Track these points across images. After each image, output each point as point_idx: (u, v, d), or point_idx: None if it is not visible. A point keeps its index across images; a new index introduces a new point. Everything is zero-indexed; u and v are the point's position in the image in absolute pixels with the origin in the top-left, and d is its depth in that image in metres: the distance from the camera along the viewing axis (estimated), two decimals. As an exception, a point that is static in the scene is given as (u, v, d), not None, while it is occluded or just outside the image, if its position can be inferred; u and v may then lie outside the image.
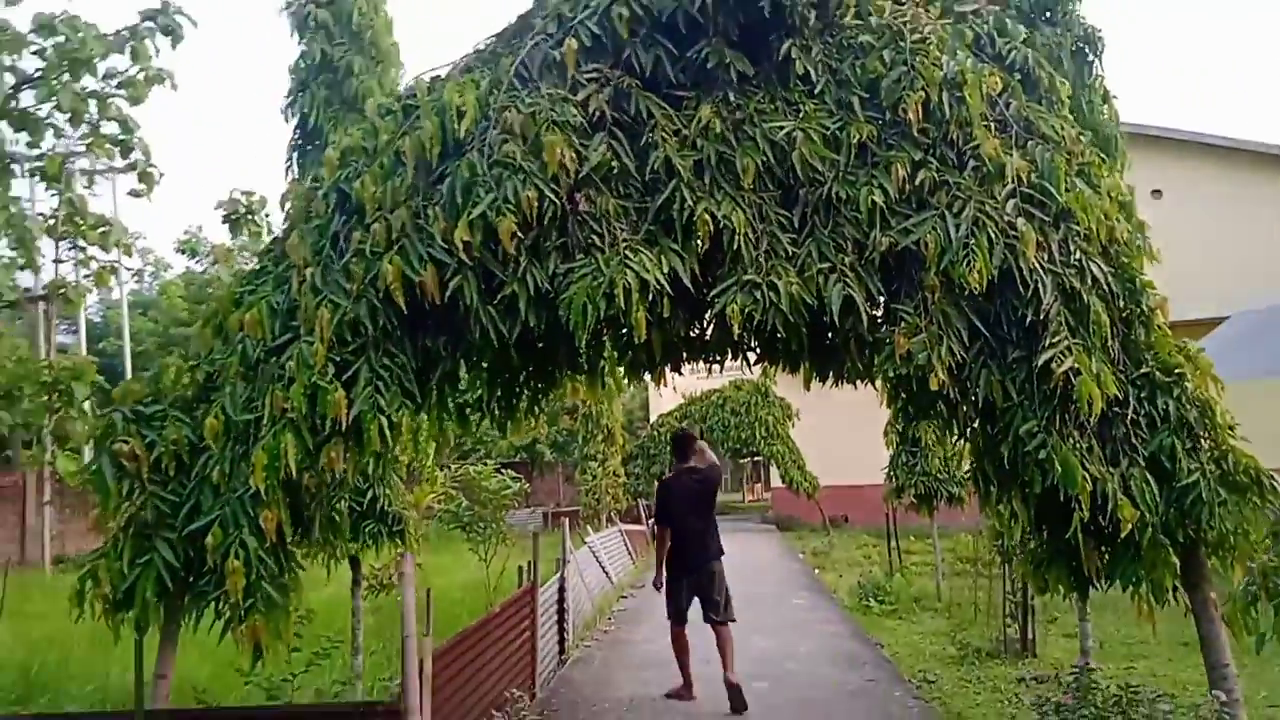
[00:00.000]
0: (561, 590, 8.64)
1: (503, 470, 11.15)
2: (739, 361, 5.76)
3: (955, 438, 5.56)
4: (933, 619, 11.16)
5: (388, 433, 4.43)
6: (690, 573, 7.25)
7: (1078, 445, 4.57)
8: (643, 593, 12.50)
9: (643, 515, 20.00)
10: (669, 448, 9.40)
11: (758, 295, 4.51)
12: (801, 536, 22.67)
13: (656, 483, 8.80)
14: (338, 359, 4.43)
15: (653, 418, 26.28)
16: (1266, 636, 3.25)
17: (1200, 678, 8.06)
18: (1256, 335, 12.71)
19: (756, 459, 41.96)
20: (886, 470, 12.61)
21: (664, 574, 7.32)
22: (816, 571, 16.13)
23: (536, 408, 5.64)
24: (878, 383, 5.54)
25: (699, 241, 4.55)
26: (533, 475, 34.37)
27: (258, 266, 4.96)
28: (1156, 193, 24.47)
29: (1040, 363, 4.51)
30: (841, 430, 25.01)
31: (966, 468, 6.11)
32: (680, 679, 7.30)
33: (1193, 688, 7.65)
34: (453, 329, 4.67)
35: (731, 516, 32.09)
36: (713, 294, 4.61)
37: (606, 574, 13.67)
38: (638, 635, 9.88)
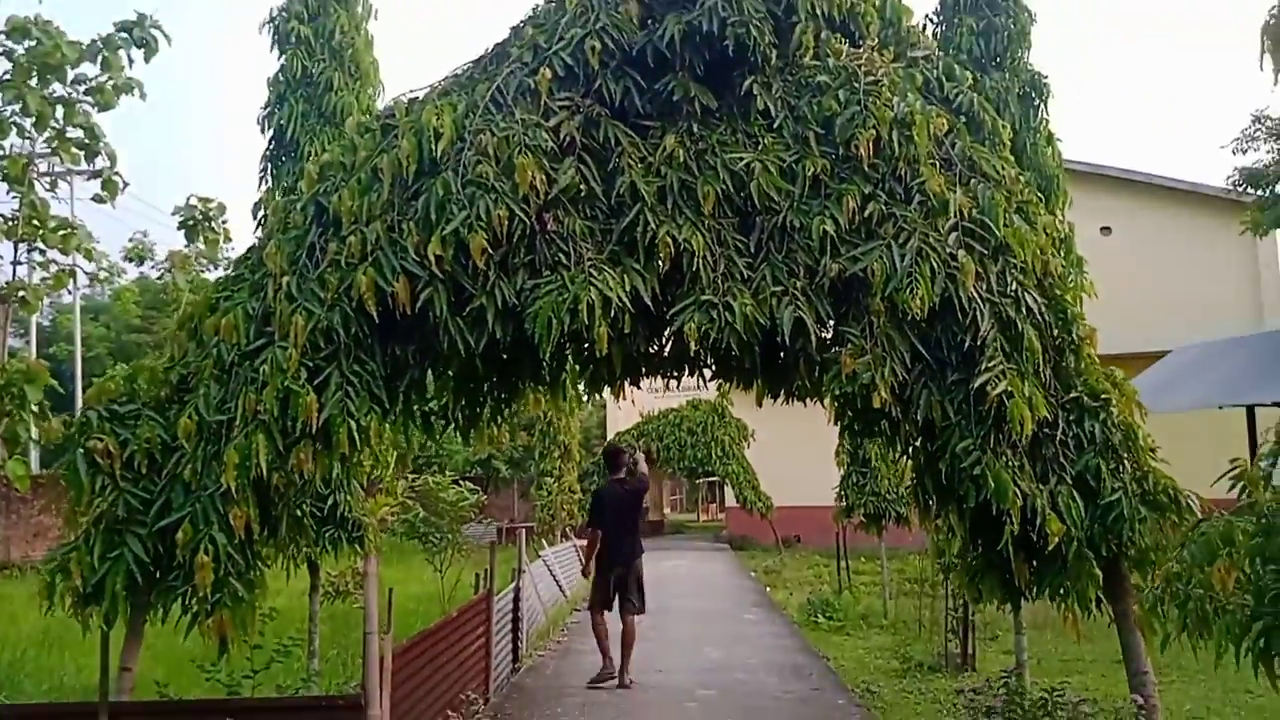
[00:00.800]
0: (516, 600, 8.81)
1: (460, 482, 11.28)
2: (695, 378, 6.00)
3: (897, 455, 5.86)
4: (879, 635, 11.45)
5: (356, 436, 4.61)
6: (615, 568, 8.34)
7: (1010, 463, 4.87)
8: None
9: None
10: (603, 461, 10.17)
11: (714, 315, 4.77)
12: (754, 556, 22.93)
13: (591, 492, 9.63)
14: (310, 364, 4.61)
15: (610, 435, 26.46)
16: (1170, 637, 3.53)
17: (1128, 692, 8.47)
18: (1197, 368, 13.23)
19: (712, 479, 42.32)
20: (837, 490, 12.91)
21: (593, 567, 8.48)
22: (768, 589, 16.39)
23: (499, 417, 5.84)
24: (826, 401, 5.86)
25: (660, 262, 4.81)
26: (488, 490, 34.34)
27: (233, 274, 5.12)
28: (1105, 229, 25.28)
29: (977, 385, 4.81)
30: (795, 451, 25.38)
31: (905, 486, 6.41)
32: (602, 664, 8.09)
33: (1122, 701, 8.01)
34: (422, 338, 4.87)
35: (685, 536, 32.36)
36: (672, 312, 4.86)
37: (560, 587, 13.81)
38: (590, 646, 10.04)
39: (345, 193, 4.79)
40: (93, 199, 11.76)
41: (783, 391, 5.82)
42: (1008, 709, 5.04)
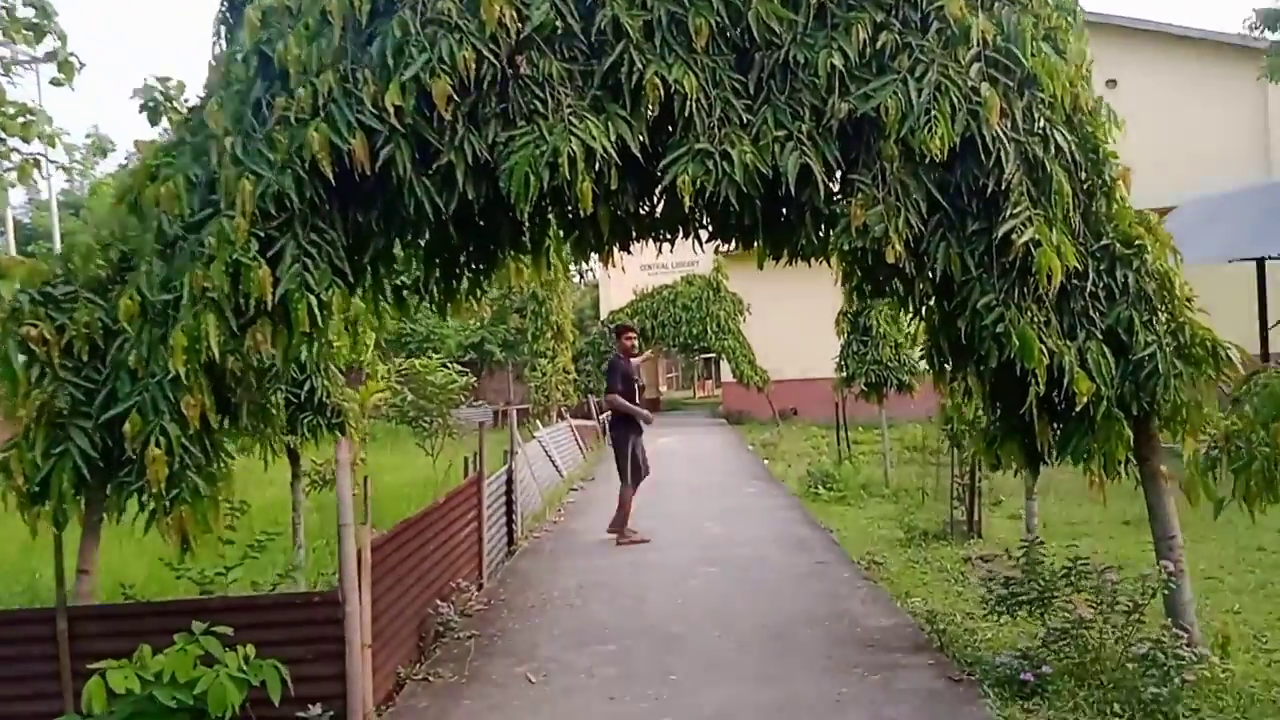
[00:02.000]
0: (509, 482, 8.54)
1: (449, 365, 10.91)
2: (690, 240, 5.52)
3: (910, 316, 5.45)
4: (880, 504, 11.30)
5: (317, 313, 4.17)
6: (638, 440, 9.22)
7: (1035, 318, 4.47)
8: (591, 485, 12.55)
9: (593, 411, 19.97)
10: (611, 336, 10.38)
11: (710, 165, 4.28)
12: (752, 430, 22.85)
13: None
14: (262, 234, 4.13)
15: (603, 314, 26.09)
16: (1225, 501, 3.20)
17: (1141, 553, 8.29)
18: (1207, 222, 12.75)
19: (708, 355, 42.18)
20: (837, 360, 12.58)
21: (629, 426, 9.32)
22: (766, 463, 16.27)
23: (478, 290, 5.38)
24: (833, 259, 5.41)
25: (648, 108, 4.28)
26: (482, 374, 34.17)
27: (175, 138, 4.59)
28: (1111, 82, 24.33)
29: (1000, 234, 4.38)
30: (792, 324, 25.08)
31: (920, 347, 6.03)
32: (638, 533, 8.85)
33: (1134, 562, 7.84)
34: (385, 202, 4.39)
35: (682, 413, 32.34)
36: (663, 164, 4.37)
37: (556, 468, 13.62)
38: (585, 525, 9.87)
39: (291, 40, 4.22)
40: (50, 82, 11.04)
41: (786, 251, 5.36)
42: (1028, 579, 4.76)
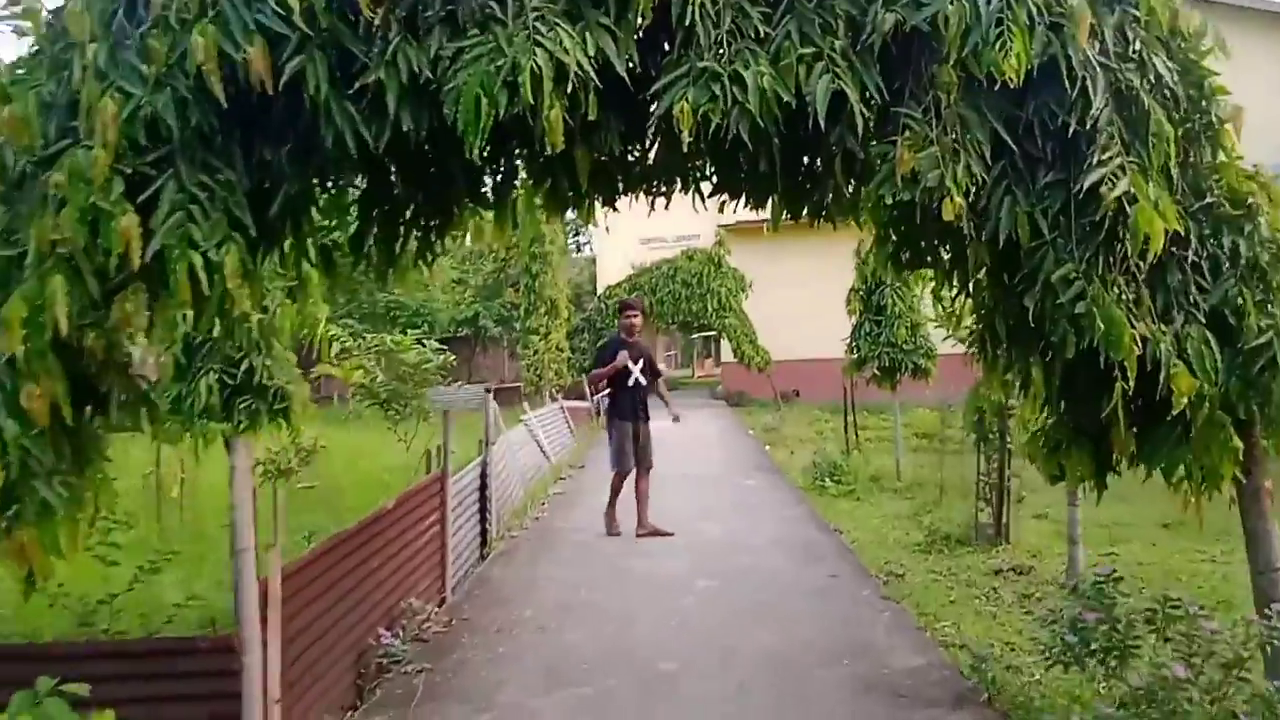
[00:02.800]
0: (483, 476, 7.60)
1: (424, 342, 9.95)
2: (689, 193, 4.53)
3: (954, 291, 4.48)
4: (893, 500, 10.40)
5: (204, 277, 3.19)
6: (639, 425, 8.56)
7: (1124, 296, 3.51)
8: (581, 474, 11.61)
9: (587, 392, 19.03)
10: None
11: (716, 90, 3.28)
12: (752, 412, 21.94)
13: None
14: (130, 172, 3.16)
15: (600, 290, 25.10)
16: None
17: (1190, 565, 7.40)
18: None
19: (707, 334, 41.19)
20: (848, 341, 11.63)
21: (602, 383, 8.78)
22: (767, 449, 15.36)
23: (429, 252, 4.38)
24: (864, 219, 4.46)
25: (638, 15, 3.29)
26: (475, 351, 33.20)
27: (31, 50, 3.59)
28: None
29: (1084, 186, 3.41)
30: (795, 303, 24.11)
31: (955, 330, 5.07)
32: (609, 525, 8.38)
33: (1185, 576, 6.96)
34: (299, 134, 3.41)
35: (680, 393, 31.34)
36: (656, 88, 3.38)
37: (544, 454, 12.70)
38: (570, 521, 8.94)
39: (173, -78, 3.23)
40: None
41: (808, 208, 4.40)
42: (1101, 624, 3.82)
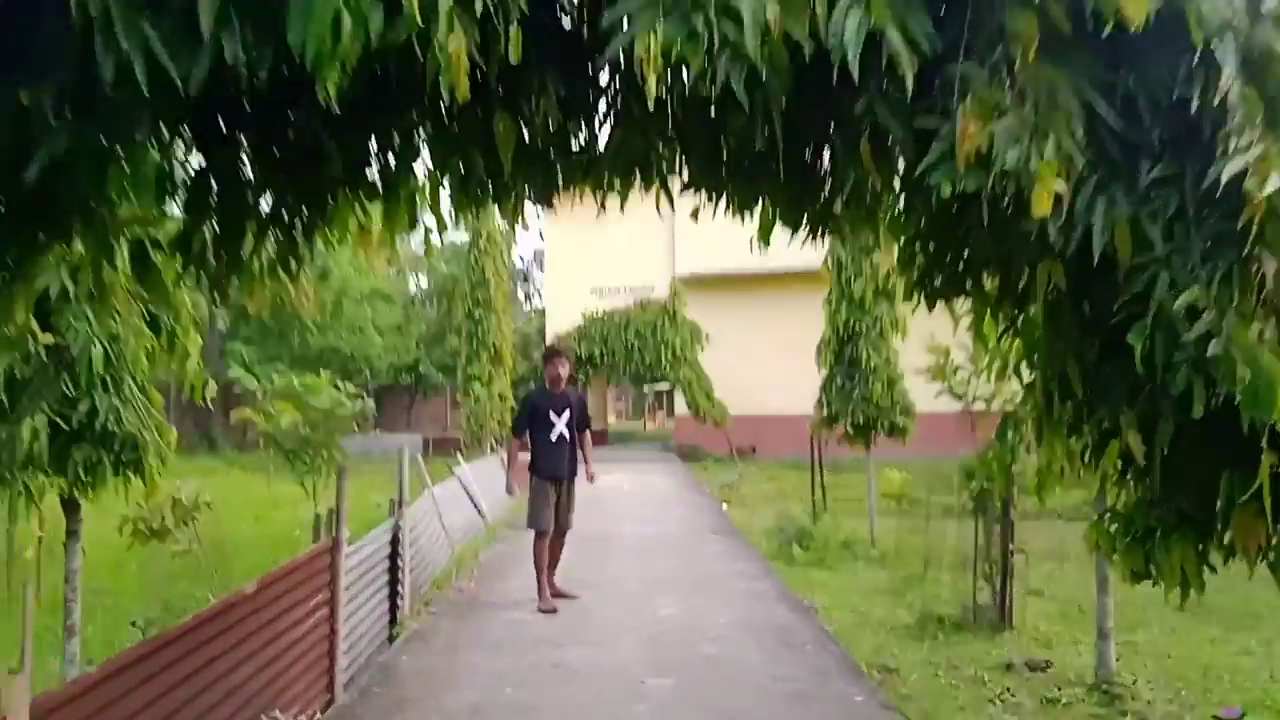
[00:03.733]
0: (395, 543, 6.34)
1: (340, 385, 8.71)
2: (653, 191, 3.42)
3: (1002, 329, 3.41)
4: (869, 570, 9.28)
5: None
6: (558, 484, 7.50)
7: (1267, 335, 2.44)
8: (521, 535, 10.30)
9: (504, 457, 17.78)
10: (540, 362, 9.22)
11: (698, 24, 2.17)
12: (707, 467, 20.80)
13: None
14: None
15: (549, 339, 23.95)
16: None
17: (1223, 658, 6.36)
18: None
19: (660, 388, 40.14)
20: (818, 396, 10.57)
21: (518, 483, 7.94)
22: (725, 508, 14.19)
23: (293, 256, 3.16)
24: (889, 226, 3.39)
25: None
26: (414, 399, 31.80)
27: None
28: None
29: (1218, 181, 2.34)
30: (754, 356, 23.20)
31: (996, 378, 4.01)
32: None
33: (1227, 676, 5.91)
34: (68, 65, 2.23)
35: (631, 446, 30.18)
36: (609, 20, 2.26)
37: (479, 511, 11.42)
38: (501, 593, 7.68)
39: None
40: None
41: (810, 213, 3.32)
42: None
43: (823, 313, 10.59)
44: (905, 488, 16.01)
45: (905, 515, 13.73)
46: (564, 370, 7.64)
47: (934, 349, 7.16)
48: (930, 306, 3.33)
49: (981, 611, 6.84)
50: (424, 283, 34.88)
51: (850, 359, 10.25)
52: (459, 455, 11.73)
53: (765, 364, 23.02)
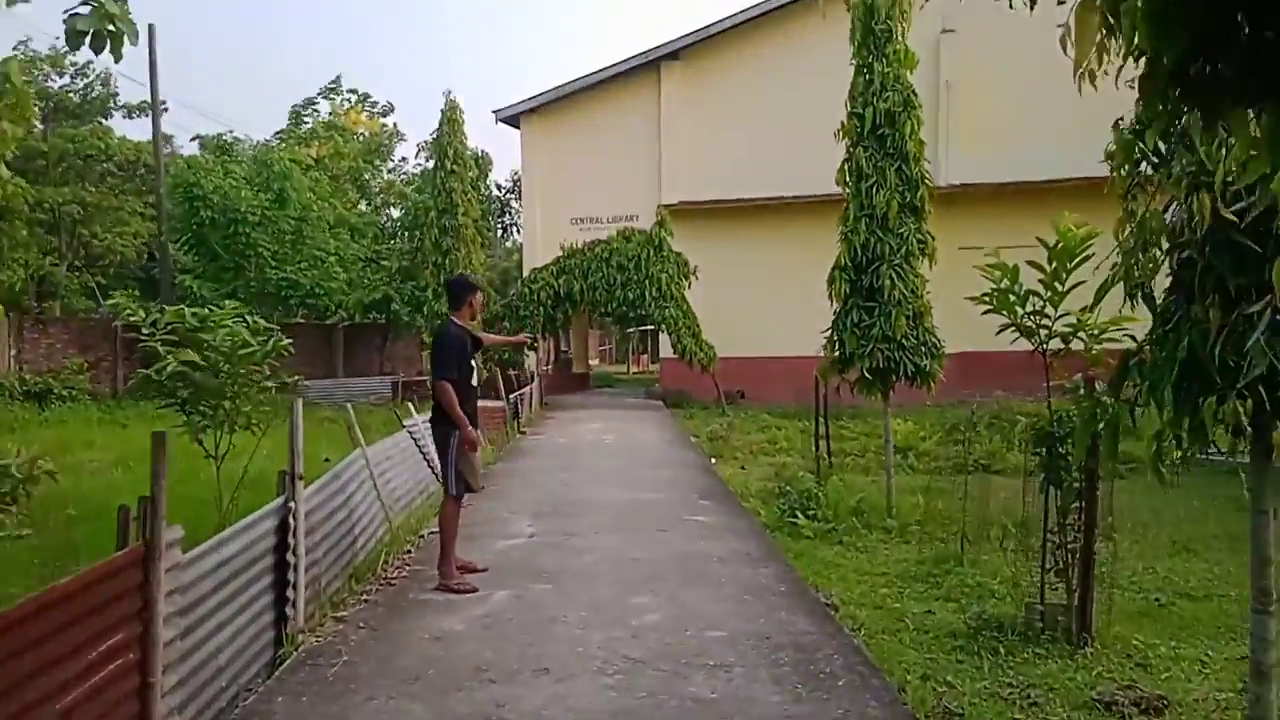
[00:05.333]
0: (283, 532, 4.71)
1: (247, 319, 6.99)
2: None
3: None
4: (889, 545, 7.76)
5: None
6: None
7: None
8: (479, 499, 8.70)
9: (501, 389, 16.15)
10: (445, 294, 7.27)
11: None
12: (693, 415, 19.24)
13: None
14: None
15: (526, 273, 22.17)
16: None
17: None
18: None
19: (644, 327, 38.41)
20: (829, 334, 8.95)
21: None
22: (714, 463, 12.65)
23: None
24: None
25: None
26: (387, 338, 30.03)
27: None
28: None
29: None
30: (743, 294, 21.51)
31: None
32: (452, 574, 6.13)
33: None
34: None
35: (614, 391, 28.62)
36: None
37: (434, 472, 9.80)
38: (424, 591, 6.09)
39: None
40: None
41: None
42: None
43: (837, 234, 8.92)
44: (913, 439, 14.55)
45: (916, 472, 12.27)
46: (476, 306, 6.47)
47: (995, 268, 5.50)
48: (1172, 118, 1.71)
49: (1050, 615, 5.31)
50: (396, 213, 32.92)
51: (870, 289, 8.60)
52: (410, 405, 10.08)
53: (755, 303, 21.36)
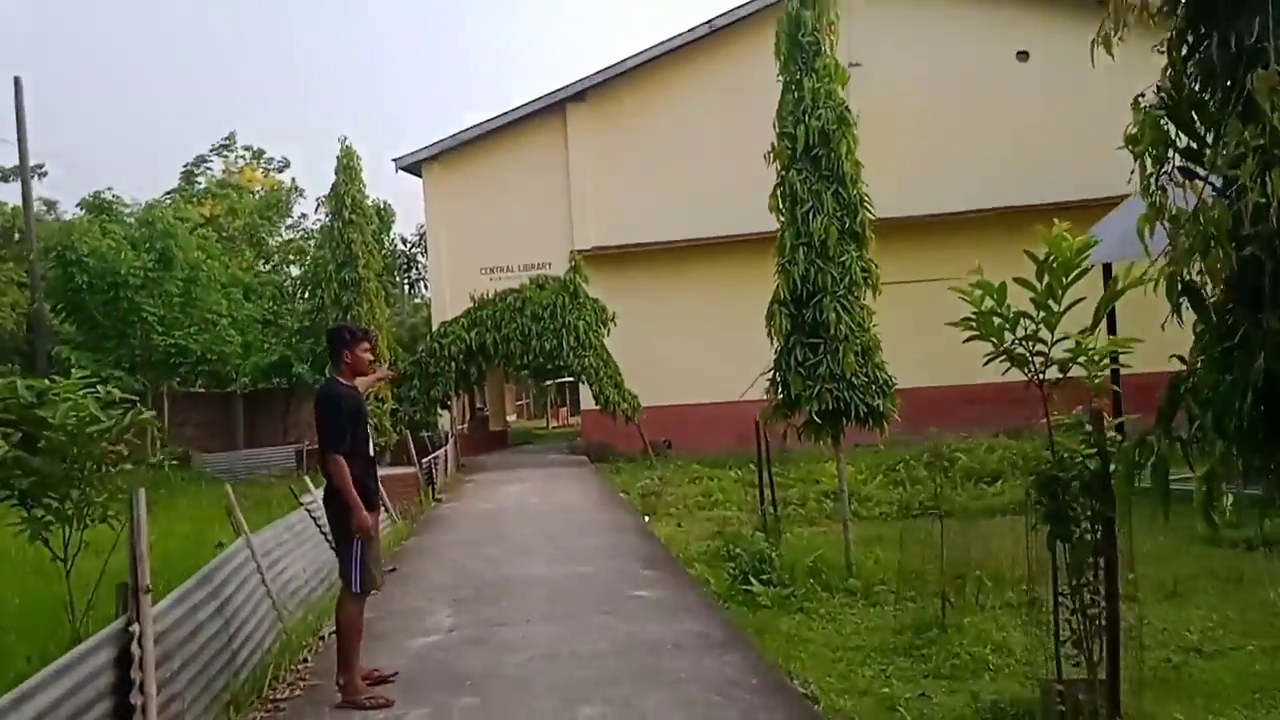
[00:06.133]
0: (125, 665, 3.62)
1: (99, 387, 5.86)
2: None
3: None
4: (856, 610, 6.94)
5: None
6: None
7: None
8: (390, 583, 7.59)
9: (413, 454, 14.98)
10: (327, 346, 5.87)
11: None
12: (620, 470, 18.30)
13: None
14: None
15: (434, 327, 21.08)
16: None
17: None
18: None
19: (563, 379, 37.41)
20: (769, 376, 8.17)
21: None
22: (647, 520, 11.74)
23: None
24: None
25: None
26: (290, 402, 28.45)
27: None
28: (1022, 54, 21.25)
29: None
30: (663, 340, 20.78)
31: None
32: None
33: None
34: None
35: (535, 448, 27.52)
36: None
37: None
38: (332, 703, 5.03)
39: None
40: None
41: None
42: None
43: (775, 265, 8.18)
44: (852, 484, 13.85)
45: (861, 519, 11.54)
46: (366, 356, 5.48)
47: (978, 287, 4.75)
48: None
49: (1073, 696, 4.51)
50: (296, 271, 31.48)
51: (813, 324, 7.85)
52: (307, 479, 8.93)
53: (676, 349, 20.65)
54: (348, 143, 19.29)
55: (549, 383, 40.54)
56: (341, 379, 5.36)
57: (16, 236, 25.92)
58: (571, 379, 26.61)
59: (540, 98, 22.09)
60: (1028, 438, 16.80)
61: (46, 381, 5.72)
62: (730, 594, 7.48)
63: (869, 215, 8.10)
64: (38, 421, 5.65)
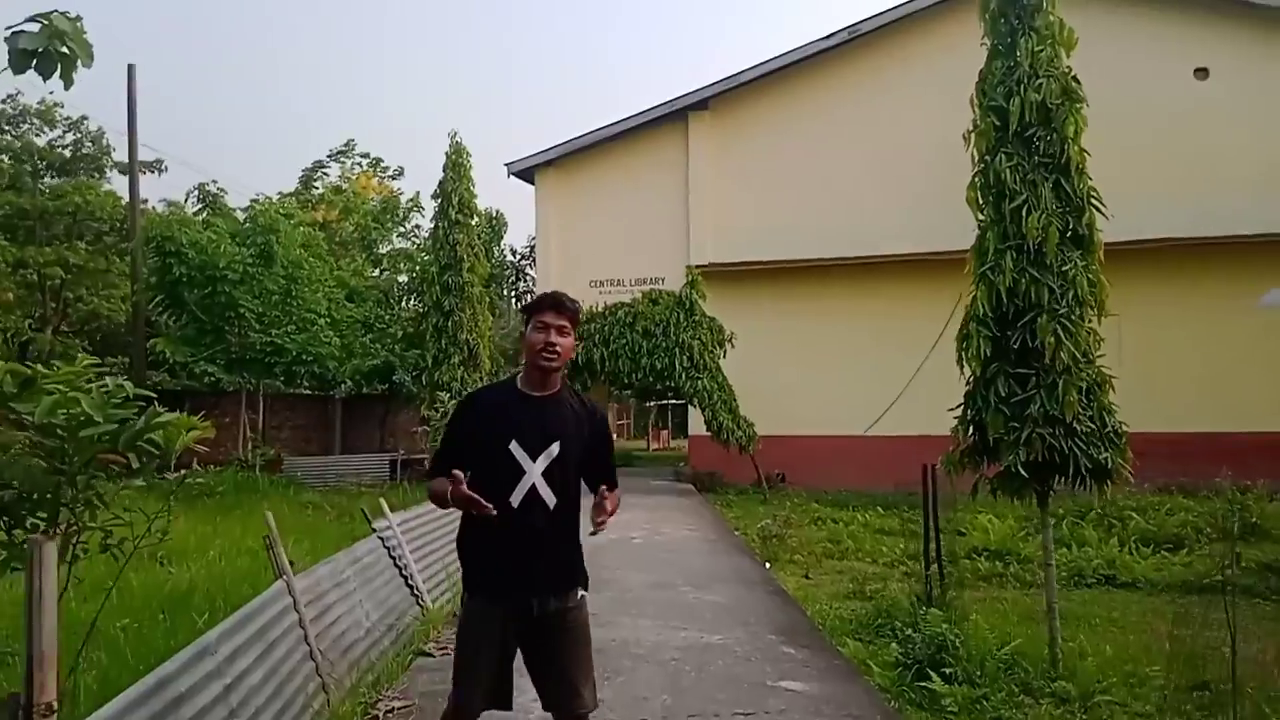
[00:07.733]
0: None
1: (104, 376, 4.53)
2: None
3: None
4: (1077, 730, 5.13)
5: None
6: (514, 591, 3.37)
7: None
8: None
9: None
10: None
11: None
12: (732, 503, 16.61)
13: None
14: None
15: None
16: None
17: None
18: None
19: (666, 401, 35.82)
20: (960, 411, 6.41)
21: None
22: (772, 571, 10.04)
23: None
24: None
25: None
26: (389, 410, 27.60)
27: None
28: (1201, 71, 18.93)
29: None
30: (782, 364, 19.06)
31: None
32: None
33: None
34: None
35: (636, 471, 25.93)
36: None
37: (415, 592, 7.27)
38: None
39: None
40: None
41: None
42: None
43: (971, 276, 6.45)
44: (1007, 541, 11.88)
45: (1023, 585, 9.68)
46: (564, 341, 3.41)
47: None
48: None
49: None
50: (404, 278, 30.80)
51: (1022, 350, 6.09)
52: (383, 502, 7.52)
53: (793, 376, 18.89)
54: (457, 138, 18.20)
55: (651, 403, 39.02)
56: (520, 372, 3.63)
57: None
58: (676, 401, 25.01)
59: (660, 104, 20.72)
60: (1204, 496, 14.61)
61: (40, 369, 4.39)
62: (901, 687, 5.75)
63: (1100, 213, 6.31)
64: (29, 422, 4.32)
